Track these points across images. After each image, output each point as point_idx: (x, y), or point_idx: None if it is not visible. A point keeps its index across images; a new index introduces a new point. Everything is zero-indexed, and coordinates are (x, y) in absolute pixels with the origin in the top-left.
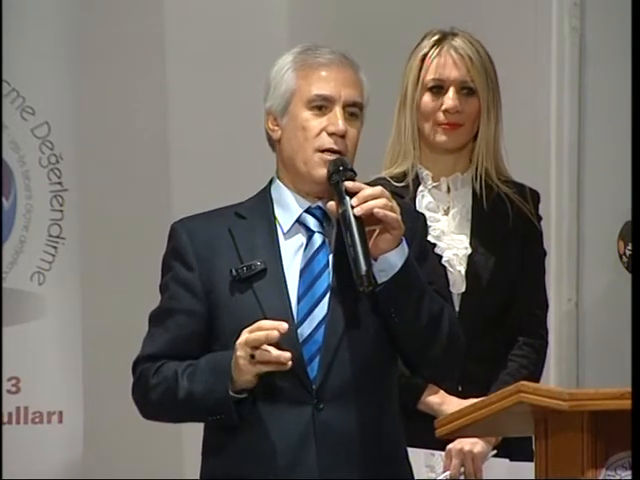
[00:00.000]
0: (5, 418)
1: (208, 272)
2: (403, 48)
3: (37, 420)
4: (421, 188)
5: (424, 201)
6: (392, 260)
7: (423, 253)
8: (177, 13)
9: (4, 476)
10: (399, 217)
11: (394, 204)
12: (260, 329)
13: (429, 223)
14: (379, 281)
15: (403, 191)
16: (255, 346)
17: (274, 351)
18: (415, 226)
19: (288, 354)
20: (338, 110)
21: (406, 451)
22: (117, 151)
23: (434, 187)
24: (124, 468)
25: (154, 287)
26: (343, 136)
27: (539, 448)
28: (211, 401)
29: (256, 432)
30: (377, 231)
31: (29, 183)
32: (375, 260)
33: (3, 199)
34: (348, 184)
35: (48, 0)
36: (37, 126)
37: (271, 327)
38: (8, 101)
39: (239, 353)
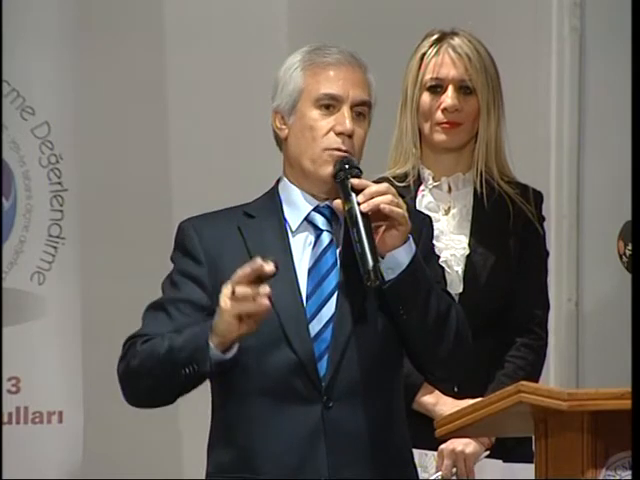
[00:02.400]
0: (5, 418)
1: (217, 270)
2: (405, 47)
3: (37, 420)
4: (422, 188)
5: (424, 201)
6: (399, 257)
7: (428, 255)
8: (178, 13)
9: (4, 476)
10: (405, 213)
11: (400, 200)
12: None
13: None
14: (387, 278)
15: (404, 191)
16: (239, 281)
17: (254, 288)
18: (421, 228)
19: (267, 290)
20: (346, 110)
21: (411, 450)
22: (117, 151)
23: (435, 187)
24: (124, 468)
25: (154, 286)
26: (350, 136)
27: (539, 448)
28: (188, 351)
29: (266, 429)
30: (384, 227)
31: (29, 183)
32: (382, 257)
33: (3, 199)
34: (354, 181)
35: (48, 0)
36: (37, 126)
37: (258, 265)
38: (8, 101)
39: (223, 291)
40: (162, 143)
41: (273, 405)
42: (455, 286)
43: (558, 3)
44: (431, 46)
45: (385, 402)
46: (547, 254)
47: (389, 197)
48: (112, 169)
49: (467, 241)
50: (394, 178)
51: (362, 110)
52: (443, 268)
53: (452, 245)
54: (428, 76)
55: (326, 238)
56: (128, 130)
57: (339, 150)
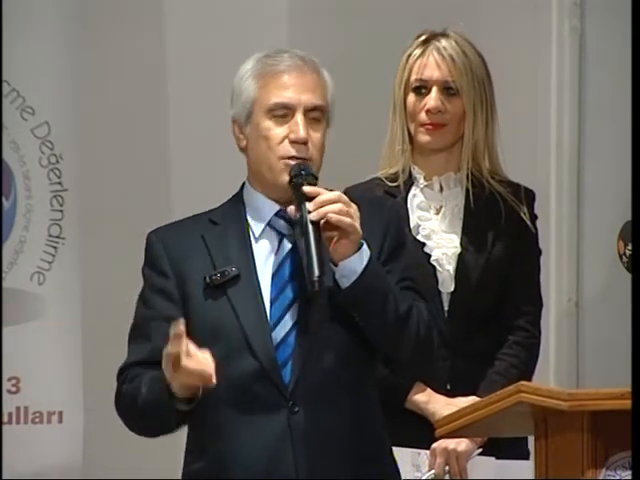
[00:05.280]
0: (5, 418)
1: (183, 279)
2: (401, 49)
3: (37, 420)
4: (414, 187)
5: (416, 200)
6: (352, 265)
7: (398, 248)
8: (178, 13)
9: (4, 476)
10: (355, 222)
11: (352, 209)
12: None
13: (420, 222)
14: (342, 286)
15: (395, 191)
16: (174, 361)
17: (193, 366)
18: (388, 221)
19: (211, 369)
20: (299, 117)
21: (391, 450)
22: (117, 151)
23: (426, 186)
24: (124, 468)
25: None
26: (305, 143)
27: (539, 448)
28: (158, 410)
29: (234, 436)
30: (336, 237)
31: (29, 183)
32: (336, 266)
33: (3, 199)
34: (306, 188)
35: (48, 1)
36: (37, 126)
37: (173, 336)
38: (8, 101)
39: (163, 362)
40: (162, 143)
41: (239, 412)
42: (447, 285)
43: (558, 3)
44: (417, 47)
45: (356, 403)
46: (540, 252)
47: (338, 206)
48: (112, 169)
49: (459, 240)
50: (386, 178)
51: (316, 115)
52: (435, 267)
53: (443, 244)
54: (413, 77)
55: (289, 243)
56: (128, 130)
57: (294, 158)
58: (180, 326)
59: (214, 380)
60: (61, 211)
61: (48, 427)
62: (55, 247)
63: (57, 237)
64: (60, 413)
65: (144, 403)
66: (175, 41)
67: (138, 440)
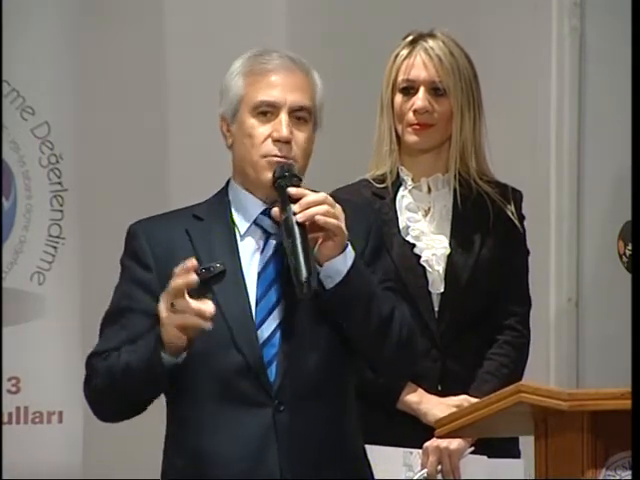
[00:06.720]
0: (5, 418)
1: (166, 274)
2: None
3: (37, 420)
4: (402, 189)
5: (404, 202)
6: (337, 266)
7: (379, 250)
8: (178, 14)
9: (4, 476)
10: (341, 224)
11: (337, 210)
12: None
13: (409, 224)
14: (326, 287)
15: (383, 192)
16: (176, 295)
17: (194, 303)
18: (370, 223)
19: (211, 309)
20: (283, 116)
21: (363, 446)
22: (117, 151)
23: (414, 188)
24: (124, 468)
25: None
26: (288, 142)
27: (539, 448)
28: (144, 366)
29: (217, 433)
30: (321, 238)
31: (29, 183)
32: (321, 266)
33: (3, 199)
34: (291, 190)
35: (48, 1)
36: (37, 126)
37: (181, 269)
38: (8, 101)
39: (160, 305)
40: (162, 142)
41: (224, 409)
42: (437, 285)
43: (558, 3)
44: (404, 48)
45: (337, 402)
46: (528, 252)
47: (325, 208)
48: (112, 169)
49: (448, 241)
50: (374, 180)
51: (303, 115)
52: (424, 268)
53: (433, 245)
54: (400, 77)
55: (274, 242)
56: (128, 130)
57: (276, 157)
58: (193, 260)
59: (210, 323)
60: (61, 211)
61: (48, 427)
62: (55, 247)
63: (57, 237)
64: (60, 413)
65: (126, 368)
66: (175, 41)
67: (138, 440)
